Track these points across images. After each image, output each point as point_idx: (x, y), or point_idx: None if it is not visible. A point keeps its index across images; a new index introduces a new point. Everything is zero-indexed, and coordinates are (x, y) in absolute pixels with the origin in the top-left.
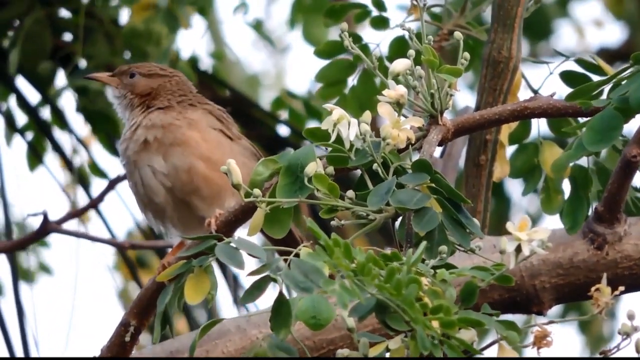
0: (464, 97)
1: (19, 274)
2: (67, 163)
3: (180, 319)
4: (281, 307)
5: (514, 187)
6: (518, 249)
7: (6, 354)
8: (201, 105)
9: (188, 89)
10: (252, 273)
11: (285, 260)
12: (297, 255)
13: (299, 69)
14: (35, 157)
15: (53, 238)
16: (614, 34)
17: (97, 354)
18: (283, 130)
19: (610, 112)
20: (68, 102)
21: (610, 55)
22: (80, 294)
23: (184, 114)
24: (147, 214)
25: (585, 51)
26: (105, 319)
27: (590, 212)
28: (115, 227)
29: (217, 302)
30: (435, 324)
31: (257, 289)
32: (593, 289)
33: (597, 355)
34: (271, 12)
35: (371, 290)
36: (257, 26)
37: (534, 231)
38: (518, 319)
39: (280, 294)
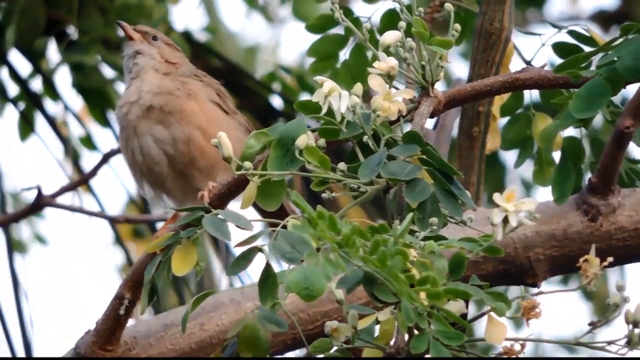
0: (459, 67)
1: (13, 246)
2: (60, 135)
3: (172, 295)
4: (268, 278)
5: (510, 155)
6: (506, 220)
7: None
8: (198, 78)
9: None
10: (240, 244)
11: (273, 232)
12: (285, 227)
13: (295, 40)
14: (27, 128)
15: (47, 211)
16: None
17: (92, 327)
18: (277, 102)
19: (598, 80)
20: (60, 74)
21: (606, 17)
22: (75, 266)
23: (186, 84)
24: (142, 184)
25: (579, 16)
26: (101, 292)
27: (584, 184)
28: (109, 201)
29: (216, 276)
30: (422, 295)
31: (244, 259)
32: (581, 260)
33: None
34: None
35: (356, 262)
36: (251, 1)
37: (521, 202)
38: (514, 291)
39: (267, 264)
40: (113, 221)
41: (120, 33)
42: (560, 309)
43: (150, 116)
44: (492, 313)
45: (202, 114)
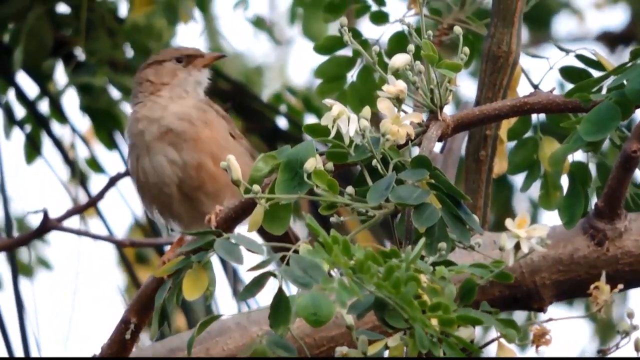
0: (468, 86)
1: (18, 269)
2: (66, 158)
3: (180, 317)
4: (280, 304)
5: (518, 176)
6: (517, 246)
7: (4, 351)
8: (209, 103)
9: None
10: (252, 269)
11: (284, 256)
12: (296, 252)
13: (302, 61)
14: (33, 150)
15: (53, 235)
16: (616, 16)
17: (97, 351)
18: (283, 123)
19: (607, 104)
20: (67, 96)
21: (612, 38)
22: (81, 290)
23: (205, 113)
24: (150, 206)
25: (586, 36)
26: (107, 316)
27: (590, 208)
28: (115, 224)
29: (218, 300)
30: (434, 321)
31: (256, 284)
32: (592, 286)
33: (596, 355)
34: (275, 3)
35: (370, 287)
36: (258, 22)
37: (532, 228)
38: (519, 315)
39: (280, 290)
40: (119, 245)
41: (128, 55)
42: (561, 329)
43: (165, 139)
44: (502, 339)
45: (214, 140)
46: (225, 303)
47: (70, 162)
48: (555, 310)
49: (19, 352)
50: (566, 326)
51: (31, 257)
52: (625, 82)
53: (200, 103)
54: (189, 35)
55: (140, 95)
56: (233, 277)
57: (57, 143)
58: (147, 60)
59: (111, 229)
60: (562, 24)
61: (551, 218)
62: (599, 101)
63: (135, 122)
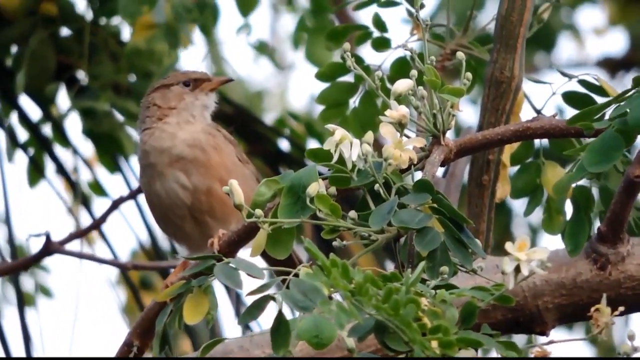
0: (469, 113)
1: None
2: (69, 181)
3: (184, 340)
4: (280, 327)
5: (517, 201)
6: (517, 269)
7: None
8: (217, 128)
9: None
10: (252, 292)
11: (284, 280)
12: (296, 275)
13: (303, 86)
14: (36, 173)
15: (55, 258)
16: (616, 42)
17: None
18: (285, 145)
19: (611, 133)
20: (70, 120)
21: (613, 64)
22: (83, 314)
23: (214, 138)
24: (164, 228)
25: (586, 62)
26: (109, 339)
27: (592, 232)
28: (118, 247)
29: (222, 324)
30: (434, 344)
31: (257, 308)
32: (593, 309)
33: None
34: (276, 28)
35: (369, 310)
36: (260, 47)
37: (532, 251)
38: (521, 339)
39: (280, 313)
40: (122, 268)
41: (131, 79)
42: (563, 353)
43: (175, 165)
44: None
45: (223, 166)
46: (229, 326)
47: (73, 186)
48: (555, 333)
49: None
50: (568, 350)
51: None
52: (628, 110)
53: (208, 127)
54: (191, 59)
55: (148, 121)
56: (236, 300)
57: (60, 167)
58: (154, 84)
59: (115, 253)
60: (563, 50)
61: (552, 242)
62: (601, 129)
63: (145, 154)
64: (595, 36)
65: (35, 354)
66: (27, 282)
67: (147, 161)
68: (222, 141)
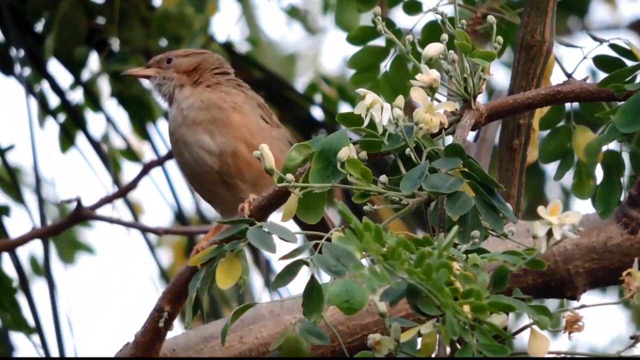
0: (502, 76)
1: (58, 253)
2: (99, 148)
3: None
4: (313, 292)
5: (549, 164)
6: (549, 233)
7: (37, 340)
8: (242, 89)
9: (225, 66)
10: (284, 257)
11: (317, 244)
12: (329, 240)
13: (336, 49)
14: (67, 139)
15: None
16: None
17: (131, 339)
18: (317, 113)
19: None
20: (101, 85)
21: None
22: (115, 278)
23: (230, 96)
24: (203, 194)
25: (619, 25)
26: (142, 304)
27: (623, 197)
28: (152, 213)
29: (255, 289)
30: (466, 308)
31: (289, 273)
32: (624, 273)
33: (630, 342)
34: None
35: (401, 274)
36: (292, 12)
37: (565, 215)
38: (552, 304)
39: (312, 278)
40: (154, 233)
41: (162, 44)
42: (596, 317)
43: (196, 129)
44: (534, 326)
45: (245, 127)
46: (257, 292)
47: (103, 153)
48: (588, 297)
49: (52, 339)
50: (601, 313)
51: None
52: None
53: (218, 86)
54: (224, 23)
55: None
56: (266, 267)
57: (89, 135)
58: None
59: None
60: (596, 13)
61: (584, 206)
62: (633, 91)
63: (170, 129)
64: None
65: (62, 315)
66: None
67: (172, 139)
68: (242, 99)
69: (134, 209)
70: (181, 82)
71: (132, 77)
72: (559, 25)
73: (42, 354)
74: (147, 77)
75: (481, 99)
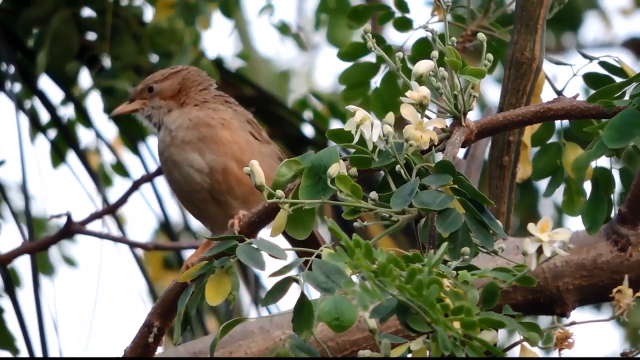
0: (495, 92)
1: (39, 268)
2: (89, 163)
3: (210, 319)
4: (303, 308)
5: (543, 181)
6: (539, 250)
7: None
8: (230, 105)
9: (208, 81)
10: (274, 274)
11: (307, 261)
12: (318, 256)
13: (329, 65)
14: (58, 156)
15: (77, 238)
16: None
17: (120, 354)
18: (308, 130)
19: (631, 111)
20: (92, 101)
21: (639, 45)
22: (103, 294)
23: (218, 112)
24: (193, 212)
25: (613, 42)
26: (130, 320)
27: (613, 214)
28: (138, 228)
29: (243, 304)
30: (456, 324)
31: (279, 290)
32: (615, 290)
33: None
34: (303, 8)
35: (392, 291)
36: (283, 28)
37: (555, 232)
38: (544, 320)
39: (302, 294)
40: (143, 248)
41: (153, 60)
42: (590, 334)
43: (186, 148)
44: (524, 343)
45: (235, 143)
46: (246, 307)
47: (92, 169)
48: (581, 314)
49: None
50: (596, 330)
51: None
52: None
53: (207, 103)
54: (216, 39)
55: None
56: (254, 283)
57: (79, 150)
58: None
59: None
60: (589, 30)
61: (576, 223)
62: (621, 107)
63: (160, 153)
64: (622, 17)
65: (48, 336)
66: (49, 255)
67: (161, 159)
68: (231, 115)
69: (120, 222)
70: (169, 107)
71: (120, 115)
72: (554, 42)
73: None
74: (135, 111)
75: (473, 115)
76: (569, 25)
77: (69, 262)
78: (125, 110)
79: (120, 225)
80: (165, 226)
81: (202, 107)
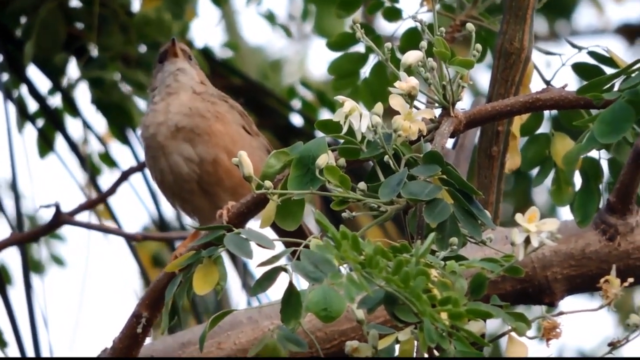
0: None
1: (30, 265)
2: (79, 153)
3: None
4: (291, 298)
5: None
6: (527, 241)
7: (16, 349)
8: (224, 98)
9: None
10: (262, 264)
11: (295, 251)
12: (307, 247)
13: (321, 55)
14: (45, 145)
15: (66, 230)
16: (635, 9)
17: (109, 345)
18: (297, 120)
19: (621, 104)
20: (80, 91)
21: (632, 31)
22: (92, 285)
23: (215, 106)
24: (173, 202)
25: (606, 28)
26: (119, 310)
27: (602, 204)
28: (127, 219)
29: (230, 294)
30: (443, 315)
31: (267, 279)
32: (602, 280)
33: (608, 347)
34: None
35: (379, 282)
36: (270, 17)
37: (542, 223)
38: (536, 311)
39: (290, 284)
40: (131, 239)
41: (141, 50)
42: (583, 320)
43: (178, 136)
44: (512, 333)
45: (227, 135)
46: (236, 297)
47: (83, 157)
48: (575, 300)
49: (29, 347)
50: (589, 316)
51: (43, 253)
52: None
53: (206, 95)
54: (204, 28)
55: (149, 105)
56: (243, 271)
57: (69, 139)
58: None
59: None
60: (582, 16)
61: (565, 212)
62: (611, 99)
63: (145, 128)
64: (615, 3)
65: (39, 323)
66: (37, 251)
67: (148, 134)
68: (226, 109)
69: (110, 213)
70: (194, 87)
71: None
72: (545, 29)
73: None
74: (176, 56)
75: (464, 103)
76: (562, 11)
77: (58, 261)
78: (177, 49)
79: (112, 215)
80: (158, 219)
81: (204, 99)
